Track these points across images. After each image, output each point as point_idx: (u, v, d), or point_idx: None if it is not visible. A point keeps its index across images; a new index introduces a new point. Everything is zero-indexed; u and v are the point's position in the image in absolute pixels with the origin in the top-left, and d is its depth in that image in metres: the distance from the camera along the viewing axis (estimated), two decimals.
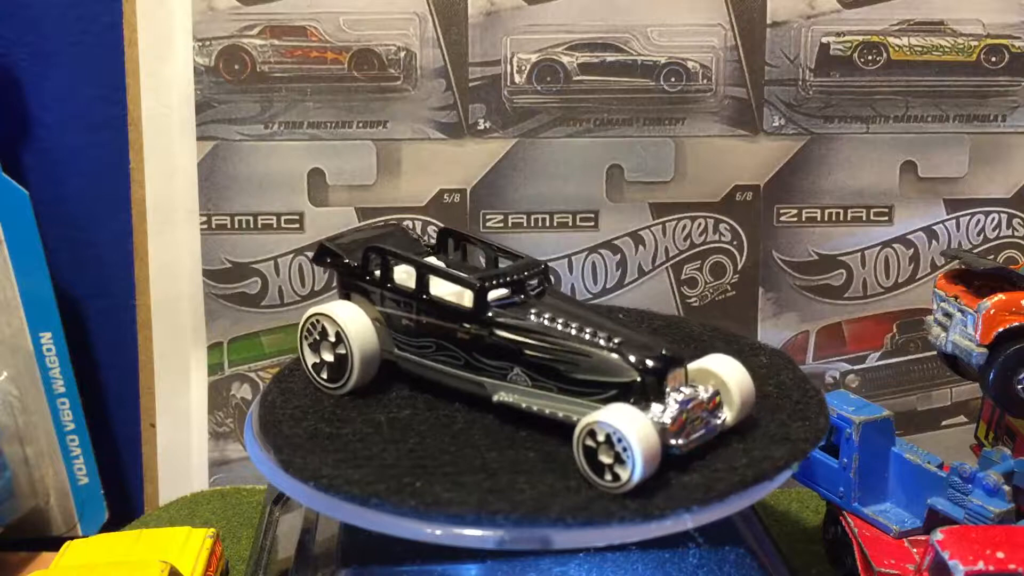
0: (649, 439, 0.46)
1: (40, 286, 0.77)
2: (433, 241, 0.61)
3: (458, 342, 0.54)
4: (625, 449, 0.45)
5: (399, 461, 0.49)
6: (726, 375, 0.51)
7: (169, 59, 0.77)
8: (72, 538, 0.66)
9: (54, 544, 0.67)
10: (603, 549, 0.48)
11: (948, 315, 0.62)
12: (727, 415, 0.50)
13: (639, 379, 0.48)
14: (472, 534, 0.44)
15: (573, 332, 0.51)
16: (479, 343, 0.53)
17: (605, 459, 0.46)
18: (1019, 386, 0.59)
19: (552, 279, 0.56)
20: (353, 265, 0.57)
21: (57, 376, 0.78)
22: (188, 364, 0.80)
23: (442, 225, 0.78)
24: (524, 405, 0.51)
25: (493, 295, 0.53)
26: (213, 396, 0.81)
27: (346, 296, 0.58)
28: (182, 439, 0.81)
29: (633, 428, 0.46)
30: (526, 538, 0.44)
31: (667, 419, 0.47)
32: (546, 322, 0.52)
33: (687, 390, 0.49)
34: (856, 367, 0.82)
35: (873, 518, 0.62)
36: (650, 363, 0.48)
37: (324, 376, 0.57)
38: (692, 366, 0.51)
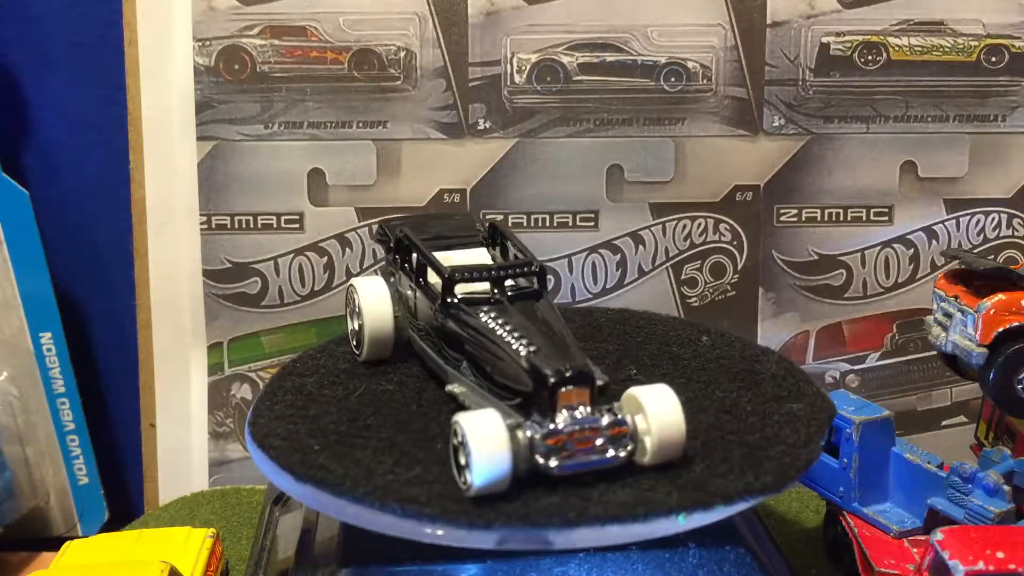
0: (491, 448, 0.44)
1: (40, 286, 0.77)
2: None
3: (434, 328, 0.56)
4: (469, 453, 0.44)
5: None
6: (652, 410, 0.47)
7: (169, 59, 0.77)
8: (72, 538, 0.65)
9: (54, 544, 0.67)
10: (603, 549, 0.48)
11: (948, 315, 0.62)
12: (637, 450, 0.47)
13: (532, 391, 0.47)
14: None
15: (506, 336, 0.50)
16: (442, 332, 0.55)
17: (461, 460, 0.46)
18: (1019, 386, 0.59)
19: (546, 281, 0.55)
20: (391, 245, 0.61)
21: (57, 376, 0.78)
22: (188, 364, 0.80)
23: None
24: (463, 399, 0.52)
25: (472, 288, 0.54)
26: (213, 396, 0.81)
27: (391, 274, 0.62)
28: (182, 439, 0.81)
29: (477, 434, 0.44)
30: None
31: (538, 435, 0.45)
32: (491, 322, 0.51)
33: (582, 412, 0.46)
34: (856, 367, 0.82)
35: (873, 518, 0.62)
36: (545, 377, 0.46)
37: (354, 343, 0.61)
38: (631, 392, 0.48)
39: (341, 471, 0.48)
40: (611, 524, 0.44)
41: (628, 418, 0.47)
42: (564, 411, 0.46)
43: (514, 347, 0.49)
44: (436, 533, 0.44)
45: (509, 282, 0.55)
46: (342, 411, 0.55)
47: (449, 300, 0.54)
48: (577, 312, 0.69)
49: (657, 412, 0.46)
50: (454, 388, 0.53)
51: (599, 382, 0.48)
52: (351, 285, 0.61)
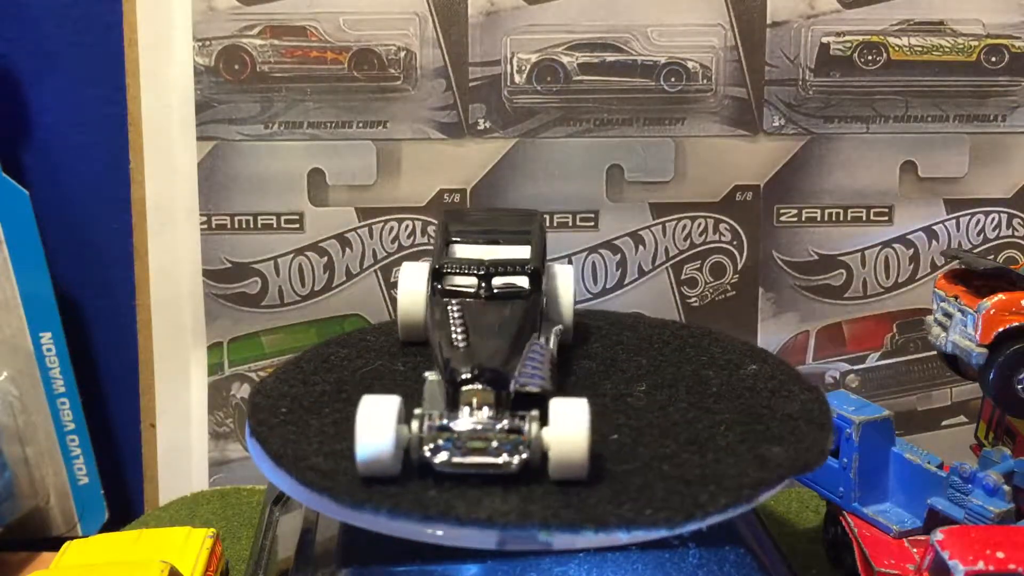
0: (374, 431, 0.45)
1: (40, 286, 0.77)
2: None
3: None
4: (354, 432, 0.46)
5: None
6: (555, 424, 0.46)
7: (169, 59, 0.77)
8: (72, 538, 0.65)
9: (54, 544, 0.67)
10: (603, 549, 0.48)
11: (948, 315, 0.62)
12: (541, 462, 0.46)
13: (446, 386, 0.47)
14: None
15: (452, 331, 0.50)
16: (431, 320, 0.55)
17: None
18: (1019, 386, 0.59)
19: (540, 283, 0.55)
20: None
21: (57, 376, 0.78)
22: (188, 364, 0.80)
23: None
24: (427, 388, 0.51)
25: (462, 281, 0.55)
26: (213, 396, 0.81)
27: None
28: (182, 439, 0.81)
29: (365, 415, 0.45)
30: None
31: (424, 429, 0.45)
32: (451, 315, 0.52)
33: (477, 415, 0.46)
34: (856, 367, 0.82)
35: (873, 518, 0.62)
36: (451, 373, 0.47)
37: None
38: (550, 403, 0.47)
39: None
40: (471, 527, 0.44)
41: (532, 427, 0.45)
42: (465, 409, 0.46)
43: (449, 341, 0.50)
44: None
45: (502, 280, 0.55)
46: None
47: (436, 290, 0.55)
48: (626, 324, 0.66)
49: (559, 427, 0.45)
50: (429, 376, 0.53)
51: (531, 388, 0.47)
52: (399, 269, 0.62)
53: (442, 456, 0.45)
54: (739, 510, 0.46)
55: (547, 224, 0.63)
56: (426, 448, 0.45)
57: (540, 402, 0.47)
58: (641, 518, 0.44)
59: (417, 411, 0.46)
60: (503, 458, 0.45)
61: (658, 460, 0.49)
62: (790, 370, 0.59)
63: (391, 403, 0.46)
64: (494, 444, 0.45)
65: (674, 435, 0.51)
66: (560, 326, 0.59)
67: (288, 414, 0.53)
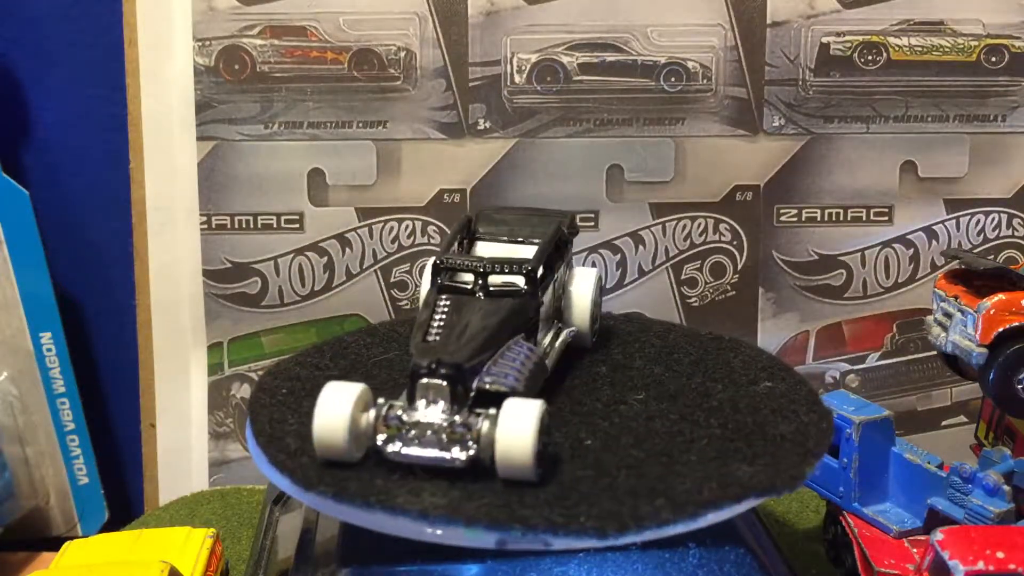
0: (327, 415, 0.46)
1: (40, 286, 0.77)
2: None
3: None
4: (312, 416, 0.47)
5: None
6: (503, 423, 0.46)
7: (169, 59, 0.77)
8: (72, 538, 0.65)
9: (54, 544, 0.67)
10: (603, 549, 0.48)
11: (948, 315, 0.62)
12: (481, 458, 0.46)
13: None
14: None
15: (432, 325, 0.51)
16: None
17: None
18: (1019, 386, 0.59)
19: (537, 284, 0.55)
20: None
21: (57, 376, 0.78)
22: (188, 364, 0.80)
23: (441, 225, 0.79)
24: None
25: (462, 277, 0.55)
26: (213, 396, 0.81)
27: None
28: (182, 439, 0.81)
29: (323, 400, 0.47)
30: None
31: (376, 417, 0.47)
32: (438, 310, 0.52)
33: (432, 409, 0.47)
34: (856, 367, 0.82)
35: (873, 518, 0.62)
36: (412, 365, 0.47)
37: None
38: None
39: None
40: (405, 518, 0.44)
41: (484, 425, 0.46)
42: (422, 402, 0.47)
43: (423, 335, 0.50)
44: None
45: (499, 279, 0.55)
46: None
47: (435, 284, 0.55)
48: (657, 332, 0.65)
49: (507, 426, 0.46)
50: None
51: (494, 387, 0.48)
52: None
53: (393, 446, 0.46)
54: (679, 527, 0.45)
55: (575, 226, 0.63)
56: (379, 437, 0.47)
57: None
58: (572, 524, 0.44)
59: (380, 400, 0.47)
60: (452, 453, 0.46)
61: (619, 469, 0.48)
62: (806, 391, 0.56)
63: (352, 390, 0.47)
64: (443, 438, 0.46)
65: (648, 445, 0.50)
66: (573, 328, 0.60)
67: (287, 395, 0.55)
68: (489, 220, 0.61)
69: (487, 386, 0.48)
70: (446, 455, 0.46)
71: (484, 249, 0.59)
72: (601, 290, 0.63)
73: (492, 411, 0.46)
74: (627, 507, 0.45)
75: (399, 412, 0.47)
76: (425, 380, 0.47)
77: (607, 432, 0.51)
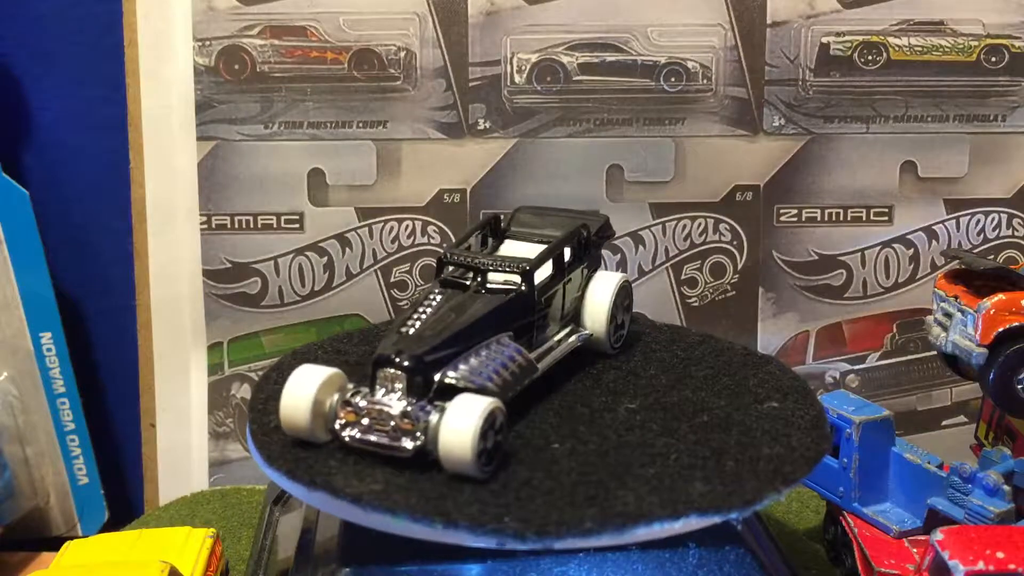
0: (292, 398, 0.49)
1: (40, 286, 0.77)
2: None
3: None
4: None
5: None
6: (448, 416, 0.47)
7: (169, 59, 0.77)
8: (72, 538, 0.65)
9: (54, 544, 0.67)
10: (603, 549, 0.48)
11: (948, 315, 0.62)
12: (428, 449, 0.47)
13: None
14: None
15: (414, 317, 0.51)
16: None
17: None
18: (1019, 386, 0.59)
19: (533, 284, 0.55)
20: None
21: (57, 376, 0.78)
22: (188, 364, 0.80)
23: (441, 225, 0.79)
24: None
25: (463, 273, 0.55)
26: (213, 396, 0.81)
27: None
28: (182, 439, 0.81)
29: (289, 383, 0.49)
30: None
31: (338, 401, 0.49)
32: (427, 304, 0.53)
33: (387, 398, 0.48)
34: (856, 367, 0.82)
35: (873, 518, 0.62)
36: (375, 354, 0.49)
37: None
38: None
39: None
40: (341, 500, 0.46)
41: (432, 417, 0.47)
42: (381, 390, 0.48)
43: (399, 326, 0.51)
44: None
45: (499, 276, 0.55)
46: None
47: (440, 278, 0.55)
48: (689, 343, 0.64)
49: (451, 421, 0.46)
50: None
51: (447, 380, 0.49)
52: None
53: (350, 431, 0.48)
54: (604, 539, 0.44)
55: (607, 230, 0.63)
56: (338, 422, 0.49)
57: None
58: (492, 523, 0.44)
59: (350, 386, 0.49)
60: (401, 442, 0.47)
61: (571, 475, 0.48)
62: (813, 414, 0.55)
63: (319, 373, 0.49)
64: (392, 426, 0.48)
65: (614, 456, 0.49)
66: (586, 332, 0.59)
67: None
68: (523, 219, 0.61)
69: (447, 379, 0.49)
70: (395, 444, 0.47)
71: (510, 247, 0.60)
72: (627, 296, 0.62)
73: (446, 404, 0.47)
74: (557, 513, 0.45)
75: (359, 399, 0.48)
76: (383, 369, 0.48)
77: (579, 438, 0.51)
